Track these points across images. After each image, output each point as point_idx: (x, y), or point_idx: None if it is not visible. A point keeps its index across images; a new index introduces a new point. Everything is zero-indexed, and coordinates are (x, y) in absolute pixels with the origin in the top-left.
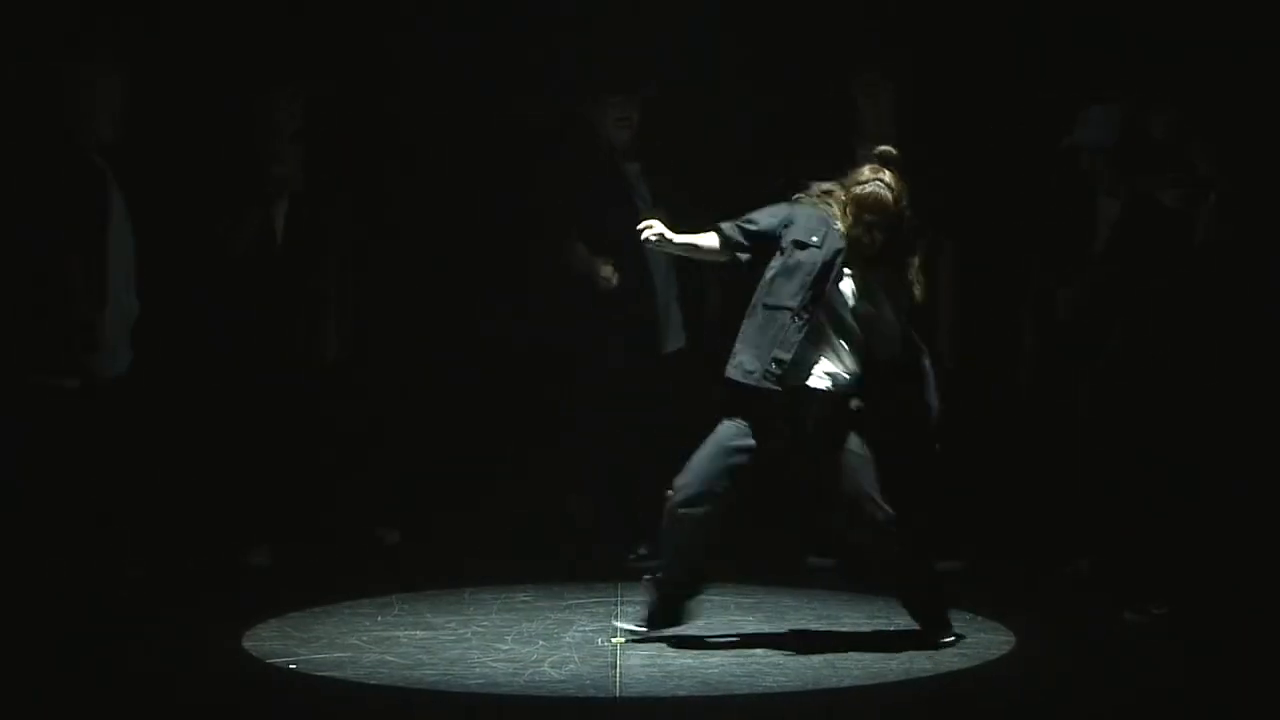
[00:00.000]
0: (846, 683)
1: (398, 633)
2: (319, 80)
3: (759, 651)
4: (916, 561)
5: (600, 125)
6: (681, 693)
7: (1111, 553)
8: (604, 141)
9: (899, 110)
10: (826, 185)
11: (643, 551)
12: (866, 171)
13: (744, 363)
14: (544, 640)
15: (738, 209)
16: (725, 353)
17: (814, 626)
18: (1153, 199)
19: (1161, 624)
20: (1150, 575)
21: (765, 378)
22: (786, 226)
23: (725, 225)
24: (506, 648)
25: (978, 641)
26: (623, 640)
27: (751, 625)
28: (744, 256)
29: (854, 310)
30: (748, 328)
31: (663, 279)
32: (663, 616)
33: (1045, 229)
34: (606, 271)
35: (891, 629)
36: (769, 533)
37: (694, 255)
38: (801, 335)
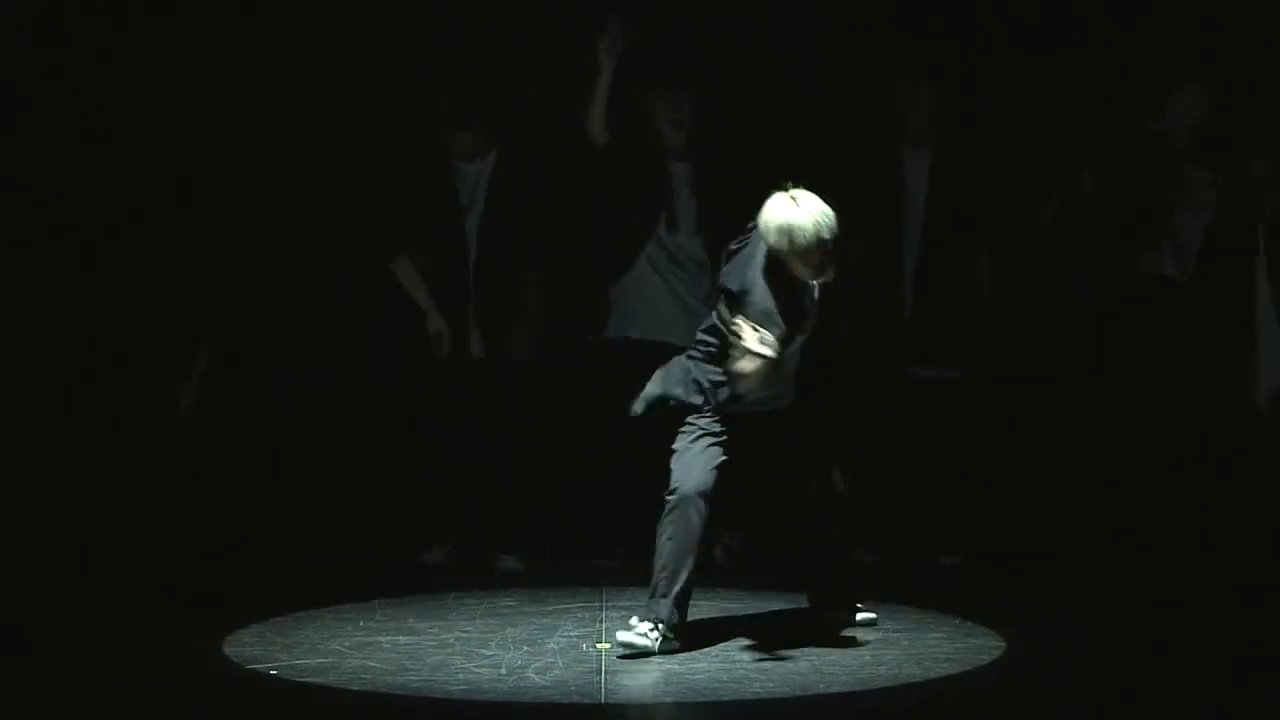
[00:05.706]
0: (834, 688)
1: (380, 638)
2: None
3: (746, 656)
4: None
5: (654, 124)
6: (668, 698)
7: None
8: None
9: (940, 112)
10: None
11: (728, 541)
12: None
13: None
14: (528, 646)
15: None
16: None
17: (802, 631)
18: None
19: (1154, 628)
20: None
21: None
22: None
23: None
24: (490, 653)
25: (967, 647)
26: (608, 646)
27: (739, 629)
28: None
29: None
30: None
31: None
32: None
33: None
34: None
35: (880, 634)
36: (759, 536)
37: None
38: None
